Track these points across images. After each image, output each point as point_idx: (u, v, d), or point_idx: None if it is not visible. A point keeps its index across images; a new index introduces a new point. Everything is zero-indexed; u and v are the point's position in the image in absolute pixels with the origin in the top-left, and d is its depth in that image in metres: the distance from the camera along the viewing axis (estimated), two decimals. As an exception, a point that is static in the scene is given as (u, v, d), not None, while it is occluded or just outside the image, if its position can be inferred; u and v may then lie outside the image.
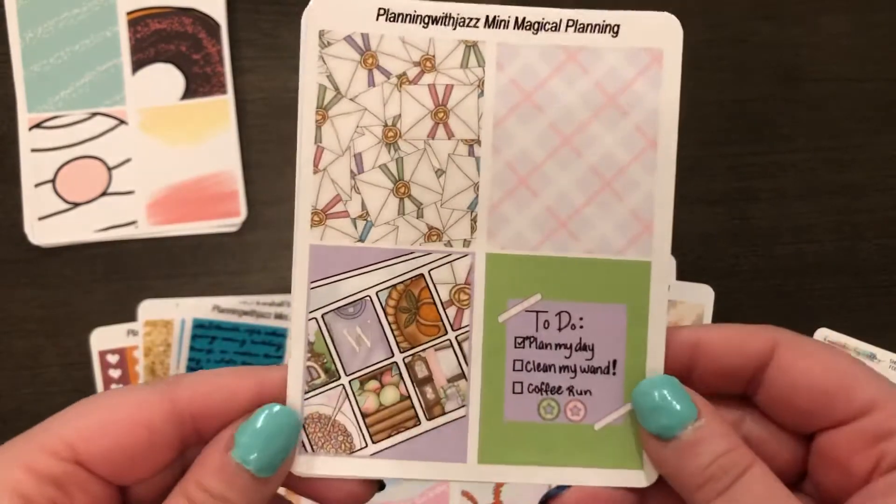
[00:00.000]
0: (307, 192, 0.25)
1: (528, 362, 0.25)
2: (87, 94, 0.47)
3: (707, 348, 0.24)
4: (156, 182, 0.46)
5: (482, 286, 0.25)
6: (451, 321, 0.25)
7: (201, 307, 0.46)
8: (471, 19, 0.25)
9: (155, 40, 0.47)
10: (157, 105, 0.47)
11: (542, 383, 0.25)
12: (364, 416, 0.25)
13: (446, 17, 0.25)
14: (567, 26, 0.25)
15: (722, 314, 0.45)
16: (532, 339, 0.25)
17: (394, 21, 0.25)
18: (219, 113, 0.47)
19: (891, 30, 0.47)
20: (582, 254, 0.25)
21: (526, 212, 0.25)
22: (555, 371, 0.25)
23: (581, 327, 0.25)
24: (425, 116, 0.25)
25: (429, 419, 0.25)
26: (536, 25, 0.25)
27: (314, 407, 0.25)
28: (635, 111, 0.25)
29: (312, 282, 0.25)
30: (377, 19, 0.25)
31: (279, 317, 0.46)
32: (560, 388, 0.25)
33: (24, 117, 0.46)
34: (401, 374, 0.25)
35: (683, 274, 0.45)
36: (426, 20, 0.25)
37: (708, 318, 0.45)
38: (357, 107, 0.25)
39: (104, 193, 0.46)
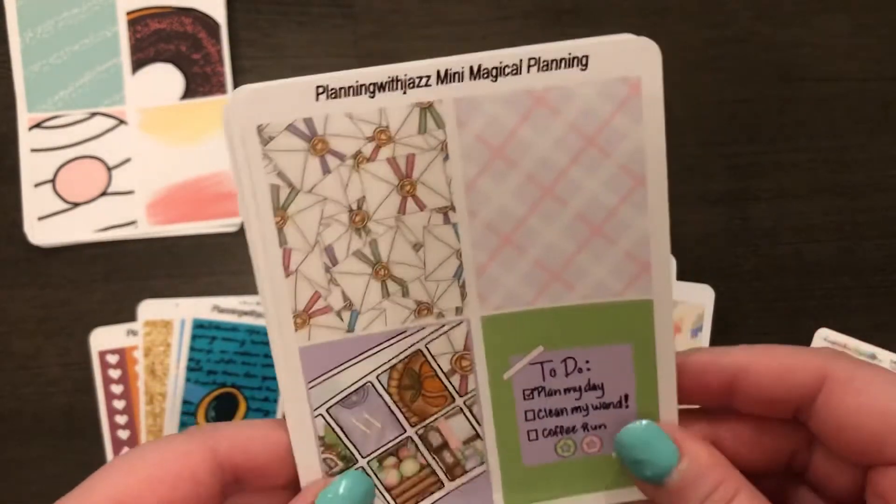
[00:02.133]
0: (284, 298, 0.23)
1: (540, 410, 0.25)
2: (87, 94, 0.47)
3: (751, 376, 0.23)
4: (156, 182, 0.46)
5: (482, 349, 0.25)
6: (457, 388, 0.25)
7: (201, 307, 0.46)
8: (420, 78, 0.22)
9: (155, 40, 0.47)
10: (156, 105, 0.47)
11: (557, 426, 0.25)
12: (388, 489, 0.25)
13: (393, 80, 0.22)
14: (529, 67, 0.22)
15: (722, 314, 0.45)
16: (540, 388, 0.25)
17: (336, 97, 0.22)
18: (219, 112, 0.47)
19: (891, 30, 0.47)
20: (579, 301, 0.24)
21: (515, 270, 0.24)
22: (567, 413, 0.25)
23: (588, 370, 0.25)
24: (391, 192, 0.23)
25: (451, 480, 0.25)
26: (494, 72, 0.22)
27: None
28: (618, 150, 0.23)
29: (309, 381, 0.24)
30: (317, 99, 0.22)
31: (279, 317, 0.46)
32: (574, 427, 0.25)
33: (24, 117, 0.46)
34: (416, 446, 0.25)
35: (683, 274, 0.45)
36: (372, 89, 0.22)
37: (708, 318, 0.45)
38: (316, 198, 0.23)
39: (104, 193, 0.46)
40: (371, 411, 0.25)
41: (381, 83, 0.22)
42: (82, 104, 0.46)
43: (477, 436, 0.25)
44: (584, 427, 0.25)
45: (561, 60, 0.22)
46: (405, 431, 0.25)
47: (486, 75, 0.22)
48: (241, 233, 0.47)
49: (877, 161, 0.47)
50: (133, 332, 0.46)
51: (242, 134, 0.22)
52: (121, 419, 0.46)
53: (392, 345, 0.24)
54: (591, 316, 0.24)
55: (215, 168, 0.46)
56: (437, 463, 0.25)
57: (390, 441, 0.25)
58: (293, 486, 0.24)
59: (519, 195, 0.23)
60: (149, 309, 0.46)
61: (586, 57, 0.22)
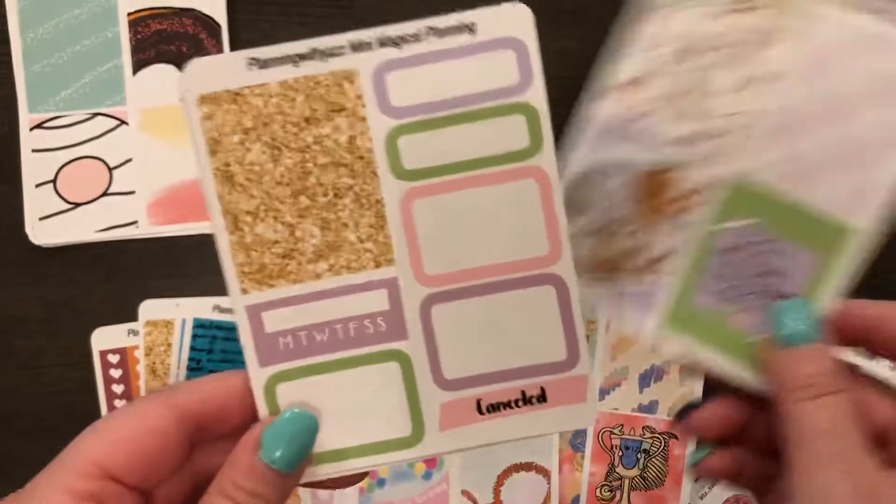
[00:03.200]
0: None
1: (728, 268, 0.28)
2: (88, 95, 0.47)
3: (887, 324, 0.27)
4: (156, 182, 0.47)
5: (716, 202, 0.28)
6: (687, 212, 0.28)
7: (202, 307, 0.46)
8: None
9: (155, 41, 0.47)
10: (157, 105, 0.47)
11: (733, 286, 0.28)
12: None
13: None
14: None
15: (722, 314, 0.45)
16: (737, 251, 0.28)
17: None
18: (219, 113, 0.47)
19: (890, 30, 0.47)
20: (810, 202, 0.27)
21: (776, 154, 0.27)
22: (746, 282, 0.28)
23: (781, 259, 0.27)
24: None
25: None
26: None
27: None
28: None
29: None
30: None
31: (279, 317, 0.46)
32: (745, 295, 0.28)
33: (25, 118, 0.46)
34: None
35: (683, 274, 0.45)
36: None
37: (708, 318, 0.45)
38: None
39: (105, 193, 0.46)
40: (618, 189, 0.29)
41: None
42: (83, 105, 0.47)
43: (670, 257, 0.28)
44: (752, 301, 0.28)
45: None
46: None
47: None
48: (241, 233, 0.47)
49: (876, 161, 0.47)
50: (134, 332, 0.46)
51: (187, 99, 0.25)
52: (122, 419, 0.46)
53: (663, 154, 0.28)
54: (811, 220, 0.27)
55: (216, 168, 0.47)
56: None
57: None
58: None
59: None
60: (150, 309, 0.46)
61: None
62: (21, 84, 0.46)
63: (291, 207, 0.25)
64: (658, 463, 0.49)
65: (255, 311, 0.26)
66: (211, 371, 0.46)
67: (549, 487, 0.48)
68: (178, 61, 0.47)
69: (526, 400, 0.26)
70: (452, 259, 0.26)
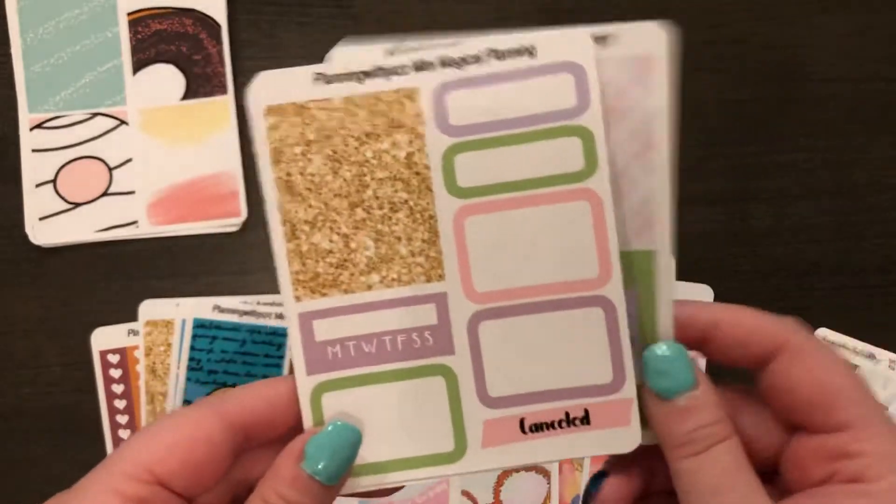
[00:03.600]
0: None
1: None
2: (88, 95, 0.47)
3: (721, 331, 0.26)
4: (156, 182, 0.47)
5: None
6: None
7: (202, 307, 0.46)
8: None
9: (155, 41, 0.47)
10: (157, 105, 0.47)
11: None
12: None
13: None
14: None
15: (722, 314, 0.45)
16: None
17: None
18: (219, 113, 0.47)
19: (891, 30, 0.47)
20: None
21: None
22: None
23: None
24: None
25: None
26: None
27: None
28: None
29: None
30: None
31: (279, 317, 0.46)
32: None
33: (25, 118, 0.46)
34: None
35: (683, 274, 0.46)
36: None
37: (708, 318, 0.45)
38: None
39: (105, 193, 0.46)
40: None
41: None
42: (83, 105, 0.47)
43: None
44: None
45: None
46: None
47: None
48: (241, 233, 0.47)
49: (877, 161, 0.47)
50: (134, 332, 0.46)
51: (255, 109, 0.26)
52: (122, 419, 0.46)
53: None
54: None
55: (216, 168, 0.47)
56: None
57: None
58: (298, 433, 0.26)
59: None
60: (150, 309, 0.46)
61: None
62: (21, 84, 0.46)
63: (348, 219, 0.26)
64: (658, 463, 0.49)
65: (306, 319, 0.26)
66: (210, 371, 0.46)
67: (549, 487, 0.48)
68: (178, 61, 0.47)
69: (569, 421, 0.26)
70: (502, 277, 0.26)
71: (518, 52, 0.25)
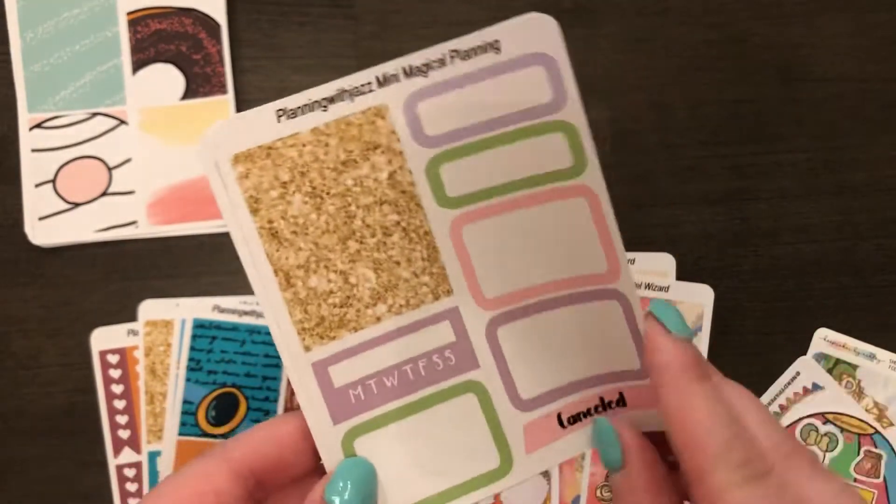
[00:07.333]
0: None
1: None
2: (88, 94, 0.47)
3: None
4: (156, 182, 0.46)
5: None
6: None
7: (202, 307, 0.46)
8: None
9: (155, 40, 0.47)
10: (157, 105, 0.47)
11: None
12: None
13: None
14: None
15: (721, 314, 0.45)
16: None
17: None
18: (219, 113, 0.47)
19: (891, 30, 0.47)
20: None
21: None
22: None
23: None
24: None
25: None
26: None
27: None
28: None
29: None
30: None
31: (279, 317, 0.46)
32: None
33: (25, 117, 0.46)
34: None
35: (683, 274, 0.46)
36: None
37: (707, 318, 0.45)
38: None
39: (104, 193, 0.46)
40: None
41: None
42: (83, 104, 0.47)
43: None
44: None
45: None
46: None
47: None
48: (241, 233, 0.47)
49: (877, 161, 0.47)
50: (134, 332, 0.46)
51: (220, 162, 0.24)
52: (121, 419, 0.46)
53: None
54: None
55: (216, 168, 0.46)
56: None
57: None
58: (318, 470, 0.25)
59: None
60: (149, 309, 0.46)
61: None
62: (21, 84, 0.46)
63: (341, 254, 0.25)
64: (658, 463, 0.49)
65: (321, 368, 0.25)
66: (210, 371, 0.46)
67: (549, 488, 0.48)
68: (178, 61, 0.47)
69: (605, 405, 0.26)
70: (510, 280, 0.25)
71: (482, 49, 0.24)
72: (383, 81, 0.24)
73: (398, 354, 0.25)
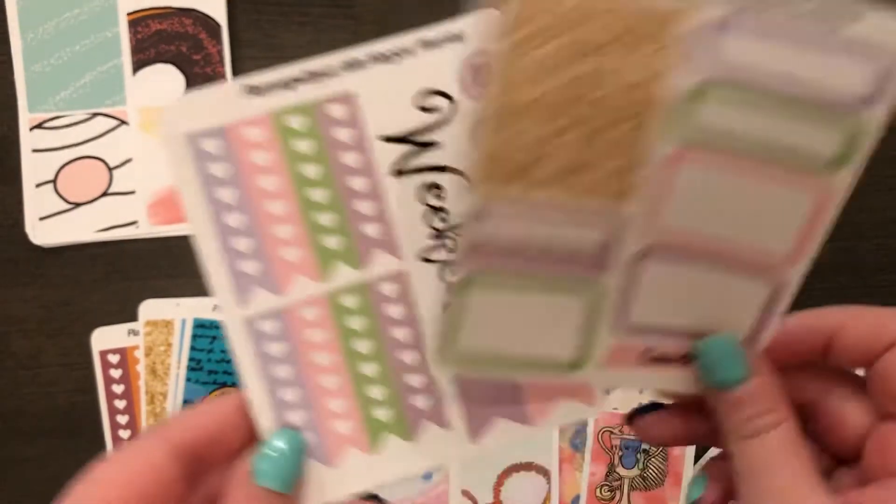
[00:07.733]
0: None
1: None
2: (88, 95, 0.47)
3: (844, 335, 0.27)
4: (156, 182, 0.47)
5: None
6: None
7: (202, 307, 0.46)
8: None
9: (155, 41, 0.47)
10: (157, 105, 0.47)
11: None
12: None
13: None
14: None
15: (722, 314, 0.45)
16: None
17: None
18: (219, 113, 0.47)
19: (891, 30, 0.47)
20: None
21: None
22: None
23: None
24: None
25: None
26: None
27: None
28: None
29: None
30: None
31: (279, 317, 0.46)
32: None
33: (25, 117, 0.46)
34: None
35: (683, 274, 0.45)
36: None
37: (708, 318, 0.45)
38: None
39: (105, 193, 0.46)
40: None
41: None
42: (83, 104, 0.47)
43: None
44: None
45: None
46: None
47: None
48: (241, 233, 0.47)
49: (877, 161, 0.47)
50: (134, 332, 0.46)
51: (177, 142, 0.24)
52: (122, 419, 0.46)
53: None
54: None
55: (216, 168, 0.47)
56: None
57: None
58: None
59: None
60: (150, 309, 0.46)
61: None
62: (21, 84, 0.46)
63: (567, 112, 0.23)
64: (658, 463, 0.49)
65: (483, 211, 0.23)
66: (210, 371, 0.46)
67: (549, 487, 0.48)
68: (178, 61, 0.47)
69: (691, 358, 0.26)
70: (692, 222, 0.25)
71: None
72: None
73: (554, 227, 0.24)
